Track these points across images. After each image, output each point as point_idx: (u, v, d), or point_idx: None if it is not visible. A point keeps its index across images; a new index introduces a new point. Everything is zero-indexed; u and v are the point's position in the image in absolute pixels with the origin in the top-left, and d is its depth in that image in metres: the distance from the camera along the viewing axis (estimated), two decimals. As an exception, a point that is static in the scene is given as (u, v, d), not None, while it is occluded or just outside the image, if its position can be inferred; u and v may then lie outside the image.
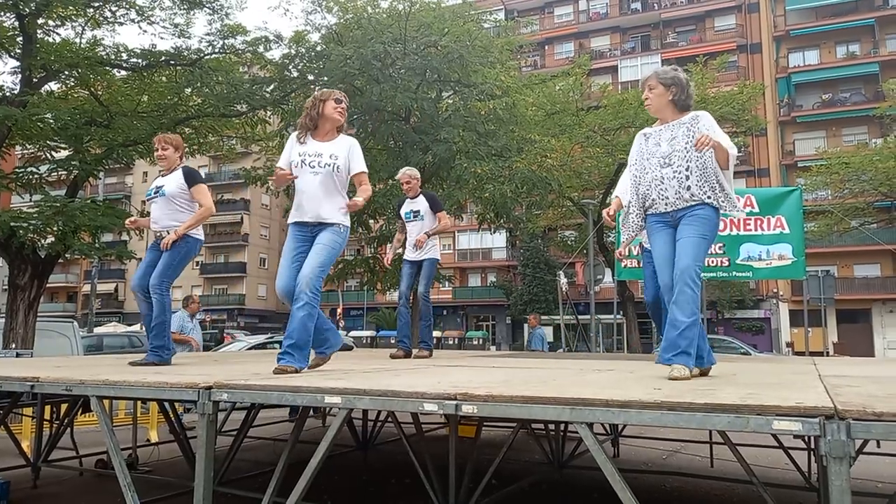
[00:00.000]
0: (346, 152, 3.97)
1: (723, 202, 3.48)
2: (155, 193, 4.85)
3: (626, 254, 6.42)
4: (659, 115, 3.68)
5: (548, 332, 33.12)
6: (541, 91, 17.18)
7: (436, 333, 9.41)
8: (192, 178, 4.83)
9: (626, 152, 15.39)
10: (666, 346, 3.31)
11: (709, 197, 3.46)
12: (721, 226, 4.48)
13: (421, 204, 6.18)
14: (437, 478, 4.43)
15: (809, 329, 20.77)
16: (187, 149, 13.12)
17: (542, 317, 34.83)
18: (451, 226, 6.38)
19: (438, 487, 4.40)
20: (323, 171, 3.89)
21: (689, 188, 3.48)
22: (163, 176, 4.94)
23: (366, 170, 4.06)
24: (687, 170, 3.50)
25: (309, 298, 3.75)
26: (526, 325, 23.89)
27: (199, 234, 4.87)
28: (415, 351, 6.21)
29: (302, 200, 3.95)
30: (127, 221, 5.40)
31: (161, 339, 4.71)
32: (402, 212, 6.41)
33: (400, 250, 6.62)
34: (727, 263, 8.23)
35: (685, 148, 3.53)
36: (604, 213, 4.19)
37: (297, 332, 3.71)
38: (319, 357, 4.09)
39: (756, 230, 8.20)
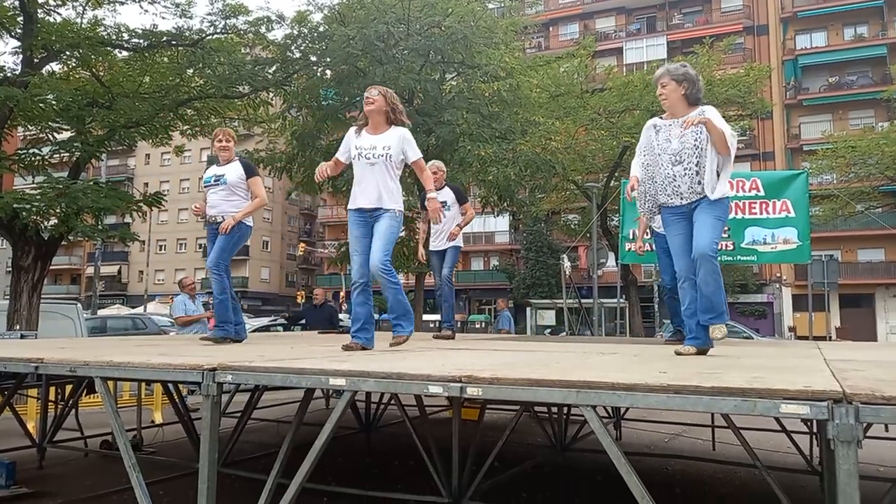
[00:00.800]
0: (398, 142, 4.29)
1: (725, 189, 3.77)
2: (215, 182, 5.25)
3: (642, 245, 6.45)
4: (672, 110, 3.91)
5: (551, 316, 33.23)
6: (545, 73, 17.03)
7: (437, 317, 9.50)
8: (250, 170, 5.30)
9: (631, 135, 15.25)
10: (703, 310, 3.72)
11: (718, 188, 3.74)
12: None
13: (447, 195, 6.28)
14: (441, 460, 4.44)
15: (812, 313, 20.76)
16: (189, 130, 13.11)
17: (545, 300, 34.96)
18: (474, 215, 6.60)
19: (441, 469, 4.42)
20: (377, 161, 4.25)
21: (700, 182, 3.75)
22: (219, 166, 5.34)
23: (420, 156, 4.37)
24: (697, 165, 3.74)
25: (386, 280, 4.24)
26: (495, 308, 23.78)
27: (250, 221, 5.27)
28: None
29: (360, 189, 4.34)
30: (193, 207, 5.73)
31: (224, 316, 5.11)
32: None
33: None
34: (732, 247, 8.18)
35: (694, 146, 3.75)
36: (627, 188, 4.45)
37: (394, 307, 4.32)
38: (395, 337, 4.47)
39: (761, 214, 8.15)
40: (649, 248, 7.37)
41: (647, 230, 6.33)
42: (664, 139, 3.89)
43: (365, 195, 4.31)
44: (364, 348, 4.21)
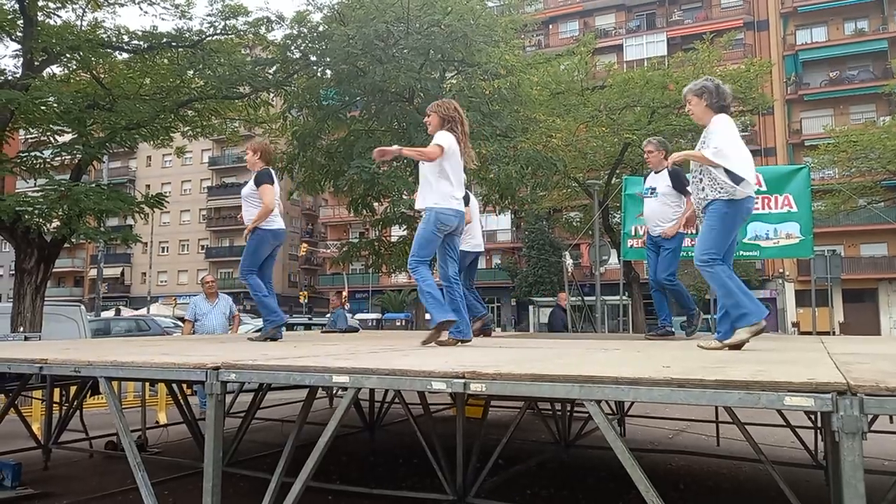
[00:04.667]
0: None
1: (730, 190, 3.90)
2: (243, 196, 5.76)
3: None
4: (702, 122, 4.16)
5: (553, 314, 33.14)
6: (545, 70, 17.00)
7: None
8: (258, 179, 5.55)
9: (632, 131, 15.27)
10: (721, 318, 4.06)
11: (718, 195, 3.95)
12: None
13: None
14: (445, 458, 4.45)
15: (816, 309, 20.72)
16: (190, 132, 13.11)
17: (548, 298, 34.91)
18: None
19: (446, 467, 4.42)
20: (420, 165, 4.57)
21: (703, 189, 4.04)
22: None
23: (436, 142, 4.54)
24: (700, 173, 4.05)
25: (416, 277, 4.50)
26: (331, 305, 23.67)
27: (269, 225, 5.50)
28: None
29: None
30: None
31: (267, 315, 5.52)
32: None
33: None
34: (734, 241, 8.17)
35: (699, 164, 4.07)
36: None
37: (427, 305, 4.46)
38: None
39: (763, 209, 8.12)
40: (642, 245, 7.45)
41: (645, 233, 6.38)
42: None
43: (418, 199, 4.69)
44: (443, 327, 4.37)
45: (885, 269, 33.91)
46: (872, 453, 5.95)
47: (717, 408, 6.47)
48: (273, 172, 5.69)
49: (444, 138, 4.54)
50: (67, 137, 11.51)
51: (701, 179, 4.04)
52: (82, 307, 11.77)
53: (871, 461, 5.71)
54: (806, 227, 8.01)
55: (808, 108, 36.88)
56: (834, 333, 26.29)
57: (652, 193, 5.88)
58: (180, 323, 20.35)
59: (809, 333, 21.64)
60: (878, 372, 2.40)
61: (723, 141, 3.91)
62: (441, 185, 4.56)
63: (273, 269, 5.91)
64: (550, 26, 42.14)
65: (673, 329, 6.05)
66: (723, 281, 3.89)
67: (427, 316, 5.81)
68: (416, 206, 4.63)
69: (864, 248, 34.52)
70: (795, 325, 33.98)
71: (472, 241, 6.72)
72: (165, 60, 12.27)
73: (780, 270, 35.13)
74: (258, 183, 5.55)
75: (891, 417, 6.87)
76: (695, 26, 37.21)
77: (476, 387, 2.46)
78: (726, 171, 3.88)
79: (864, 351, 4.00)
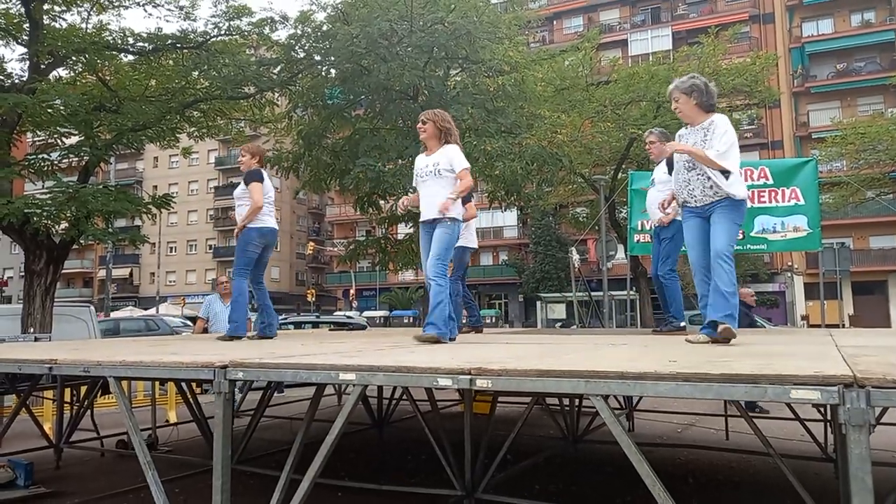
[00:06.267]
0: (446, 157, 4.60)
1: (733, 192, 3.98)
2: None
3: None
4: (690, 119, 4.17)
5: (561, 310, 33.17)
6: (550, 66, 16.95)
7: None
8: (248, 178, 5.62)
9: (637, 127, 15.22)
10: (714, 308, 3.89)
11: (731, 192, 3.98)
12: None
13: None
14: (453, 454, 4.46)
15: (825, 302, 20.61)
16: (196, 132, 13.16)
17: (555, 294, 34.89)
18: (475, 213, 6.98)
19: (454, 463, 4.44)
20: (428, 178, 4.64)
21: (712, 186, 4.02)
22: None
23: (466, 166, 4.63)
24: (710, 170, 4.00)
25: (433, 283, 4.54)
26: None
27: (256, 223, 5.55)
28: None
29: (422, 205, 4.74)
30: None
31: (263, 316, 5.66)
32: None
33: None
34: (741, 236, 8.12)
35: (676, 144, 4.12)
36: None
37: (432, 309, 4.50)
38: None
39: (770, 202, 8.10)
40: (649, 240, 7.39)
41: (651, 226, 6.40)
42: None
43: (426, 210, 4.70)
44: (437, 340, 4.37)
45: (895, 262, 33.68)
46: (881, 445, 5.93)
47: (725, 401, 6.46)
48: (264, 172, 5.74)
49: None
50: (74, 140, 11.58)
51: (710, 178, 4.02)
52: (91, 308, 11.85)
53: (880, 454, 5.70)
54: (814, 219, 7.98)
55: (815, 100, 36.64)
56: (843, 326, 26.14)
57: (652, 185, 5.90)
58: (189, 322, 20.46)
59: (819, 326, 21.54)
60: (886, 364, 2.39)
61: (728, 144, 3.96)
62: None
63: (264, 271, 5.96)
64: (554, 22, 42.02)
65: (683, 324, 6.01)
66: (734, 277, 3.91)
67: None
68: (446, 215, 4.52)
69: (873, 240, 34.30)
70: (805, 318, 33.80)
71: (471, 237, 6.79)
72: (171, 62, 12.32)
73: (789, 263, 34.95)
74: (248, 181, 5.59)
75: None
76: (700, 20, 37.01)
77: (482, 383, 2.47)
78: (722, 172, 3.95)
79: (872, 343, 3.99)
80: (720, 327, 3.75)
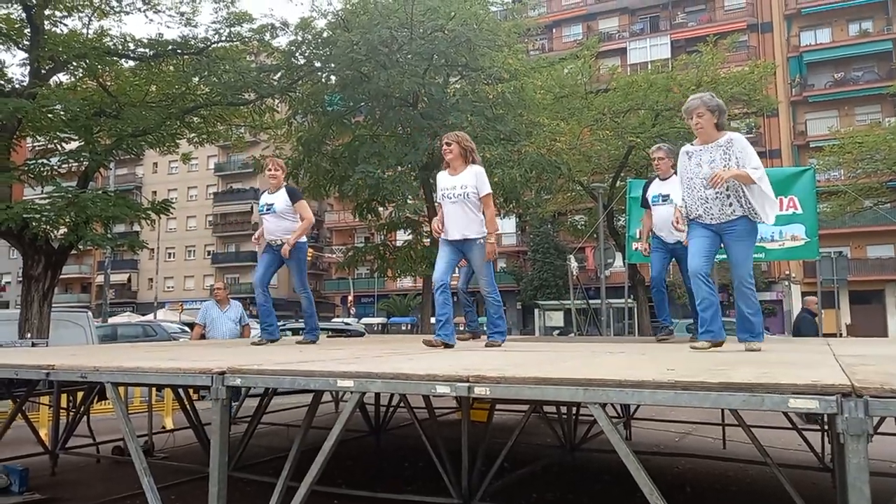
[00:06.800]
0: (474, 181, 4.80)
1: (755, 215, 4.12)
2: (267, 210, 5.87)
3: (647, 246, 6.38)
4: (705, 136, 4.22)
5: (559, 317, 33.13)
6: (549, 74, 17.03)
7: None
8: (294, 196, 5.87)
9: (636, 135, 15.24)
10: (742, 329, 4.18)
11: (746, 211, 4.11)
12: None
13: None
14: (450, 461, 4.45)
15: (822, 311, 20.62)
16: (195, 138, 13.18)
17: (553, 302, 34.89)
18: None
19: (451, 470, 4.43)
20: (458, 200, 4.82)
21: (731, 205, 4.12)
22: (270, 194, 5.92)
23: (490, 191, 4.87)
24: (727, 189, 4.09)
25: (491, 300, 4.97)
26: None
27: (304, 239, 5.90)
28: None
29: (449, 224, 4.89)
30: (253, 240, 6.39)
31: (310, 324, 6.06)
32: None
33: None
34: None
35: (724, 170, 4.07)
36: (672, 220, 5.05)
37: (491, 321, 4.96)
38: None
39: (768, 210, 8.10)
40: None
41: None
42: (695, 164, 4.26)
43: (453, 229, 4.86)
44: (446, 345, 4.63)
45: (892, 271, 33.69)
46: (878, 455, 5.93)
47: (722, 410, 6.46)
48: None
49: None
50: (74, 145, 11.58)
51: (729, 196, 4.12)
52: (89, 313, 11.82)
53: (877, 464, 5.69)
54: (811, 228, 8.00)
55: (812, 109, 36.76)
56: (841, 335, 26.15)
57: (664, 201, 5.75)
58: (187, 328, 20.40)
59: (816, 335, 21.52)
60: (884, 374, 2.40)
61: (759, 163, 4.10)
62: None
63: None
64: (554, 30, 42.16)
65: (672, 328, 6.04)
66: (756, 299, 4.17)
67: (433, 320, 5.90)
68: (472, 236, 4.82)
69: (870, 249, 34.33)
70: (802, 327, 33.78)
71: None
72: (171, 68, 12.34)
73: (787, 272, 34.98)
74: (297, 198, 5.85)
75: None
76: (698, 29, 37.12)
77: (480, 390, 2.47)
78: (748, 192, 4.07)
79: (870, 353, 3.99)
80: (747, 345, 4.04)
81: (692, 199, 4.28)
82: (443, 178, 4.96)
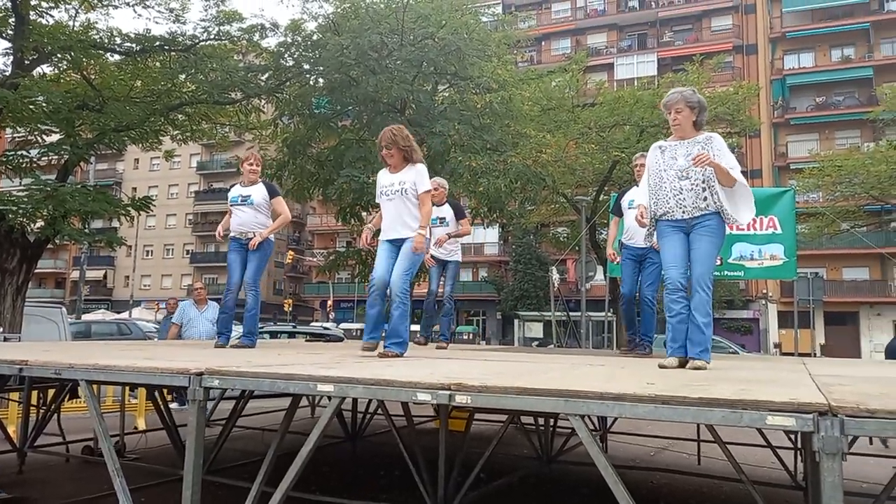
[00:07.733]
0: (413, 177, 4.59)
1: (726, 215, 3.95)
2: (242, 202, 5.70)
3: (614, 254, 6.40)
4: (682, 133, 4.08)
5: (538, 328, 33.22)
6: (537, 86, 17.17)
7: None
8: (273, 191, 5.80)
9: (621, 149, 15.39)
10: (692, 343, 3.83)
11: (719, 209, 3.92)
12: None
13: (446, 212, 6.76)
14: (427, 470, 4.42)
15: (798, 330, 20.90)
16: (179, 135, 13.06)
17: (534, 313, 35.00)
18: (470, 231, 7.00)
19: (428, 479, 4.40)
20: (394, 196, 4.60)
21: (705, 199, 3.94)
22: (244, 186, 5.78)
23: (428, 188, 4.63)
24: (703, 182, 3.93)
25: (399, 300, 4.55)
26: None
27: (272, 238, 5.78)
28: (433, 344, 6.77)
29: (386, 223, 4.72)
30: (217, 233, 6.02)
31: (251, 326, 5.72)
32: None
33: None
34: (719, 263, 8.21)
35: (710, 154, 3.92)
36: (636, 214, 4.54)
37: (393, 328, 4.61)
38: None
39: (748, 230, 8.20)
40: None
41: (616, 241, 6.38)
42: (670, 157, 4.08)
43: (390, 228, 4.68)
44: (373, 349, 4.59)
45: (867, 293, 34.31)
46: (851, 475, 6.00)
47: (698, 426, 6.50)
48: None
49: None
50: (55, 137, 11.42)
51: (704, 189, 3.92)
52: (63, 309, 11.62)
53: (850, 483, 5.76)
54: (790, 248, 8.11)
55: (794, 131, 37.42)
56: (815, 355, 26.52)
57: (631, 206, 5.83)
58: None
59: (791, 354, 21.80)
60: (859, 394, 2.43)
61: (737, 164, 3.98)
62: None
63: None
64: (543, 43, 42.52)
65: (651, 345, 6.06)
66: (711, 307, 3.86)
67: (414, 327, 5.86)
68: (407, 235, 4.56)
69: (846, 271, 34.92)
70: (777, 345, 34.23)
71: (459, 252, 6.94)
72: (157, 64, 12.23)
73: (764, 291, 35.44)
74: (276, 194, 5.78)
75: (870, 439, 6.92)
76: (685, 48, 37.71)
77: (461, 399, 2.46)
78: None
79: (845, 373, 4.04)
80: (691, 362, 3.75)
81: (662, 193, 4.05)
82: (382, 177, 4.74)
